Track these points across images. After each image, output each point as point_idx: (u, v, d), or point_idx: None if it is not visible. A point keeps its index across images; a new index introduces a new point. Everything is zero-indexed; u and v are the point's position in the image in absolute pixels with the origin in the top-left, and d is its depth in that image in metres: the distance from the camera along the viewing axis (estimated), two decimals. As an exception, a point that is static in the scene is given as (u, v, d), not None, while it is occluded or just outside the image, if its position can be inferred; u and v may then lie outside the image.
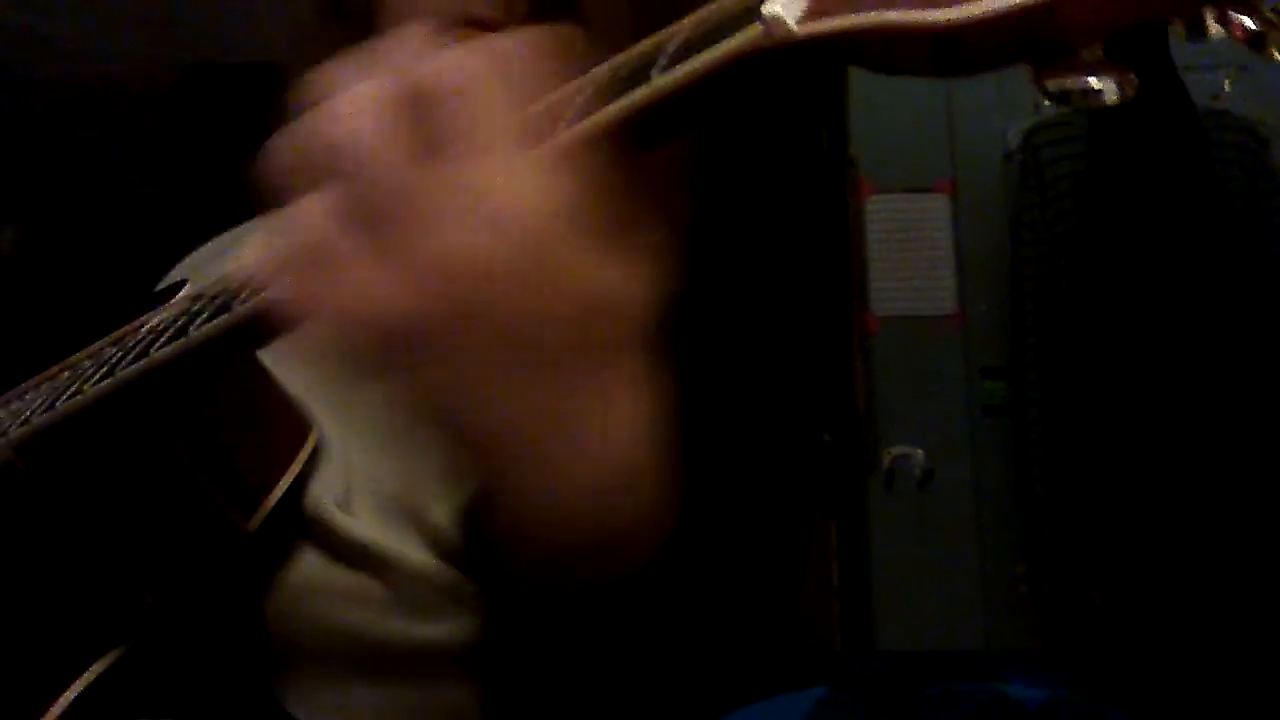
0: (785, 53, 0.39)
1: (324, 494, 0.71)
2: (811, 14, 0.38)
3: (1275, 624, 2.47)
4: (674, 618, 0.55)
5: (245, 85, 0.90)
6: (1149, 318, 2.62)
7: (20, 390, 0.68)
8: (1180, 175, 2.66)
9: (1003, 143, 3.12)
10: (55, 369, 0.66)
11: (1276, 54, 0.34)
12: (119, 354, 0.59)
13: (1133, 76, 0.35)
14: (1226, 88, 2.96)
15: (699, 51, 0.41)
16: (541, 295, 0.43)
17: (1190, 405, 2.58)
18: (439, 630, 0.69)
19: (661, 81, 0.42)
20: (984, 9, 0.34)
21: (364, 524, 0.71)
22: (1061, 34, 0.34)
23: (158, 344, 0.56)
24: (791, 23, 0.38)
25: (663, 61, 0.42)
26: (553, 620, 0.57)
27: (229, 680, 0.67)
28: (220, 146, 0.88)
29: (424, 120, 0.42)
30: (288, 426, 0.70)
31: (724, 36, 0.41)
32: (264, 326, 0.51)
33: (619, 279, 0.44)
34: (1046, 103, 0.36)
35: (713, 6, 0.42)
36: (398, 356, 0.45)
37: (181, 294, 0.68)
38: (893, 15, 0.36)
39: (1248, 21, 0.34)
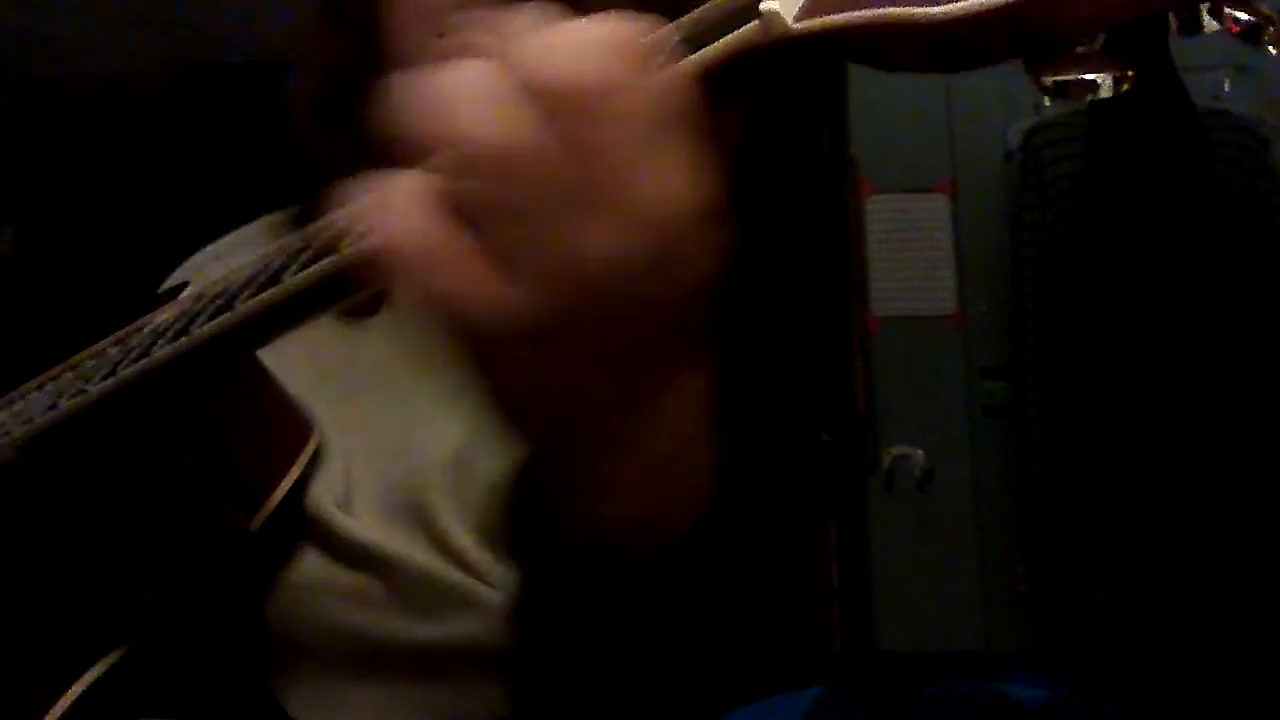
0: (783, 49, 0.39)
1: (324, 494, 0.71)
2: (809, 10, 0.38)
3: (1275, 624, 2.47)
4: (674, 617, 0.55)
5: (245, 85, 0.90)
6: (1149, 318, 2.62)
7: (23, 390, 0.68)
8: (1180, 175, 2.66)
9: (1003, 143, 3.12)
10: (58, 369, 0.66)
11: (1271, 48, 0.34)
12: (121, 354, 0.59)
13: (1130, 70, 0.35)
14: (1226, 88, 2.97)
15: (696, 49, 0.41)
16: (665, 285, 0.42)
17: (1190, 405, 2.58)
18: (440, 630, 0.69)
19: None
20: (979, 3, 0.34)
21: (364, 524, 0.71)
22: (1056, 28, 0.35)
23: (159, 344, 0.56)
24: (789, 19, 0.39)
25: (660, 60, 0.42)
26: (553, 620, 0.57)
27: (230, 680, 0.67)
28: (220, 146, 0.88)
29: (563, 115, 0.39)
30: (289, 427, 0.70)
31: (722, 33, 0.41)
32: (341, 286, 0.49)
33: (715, 262, 0.43)
34: (1047, 103, 0.37)
35: (711, 4, 0.42)
36: (505, 353, 0.43)
37: (184, 295, 0.68)
38: (889, 11, 0.36)
39: (1242, 15, 0.34)
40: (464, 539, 0.71)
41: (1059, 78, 0.35)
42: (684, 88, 0.41)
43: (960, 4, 0.34)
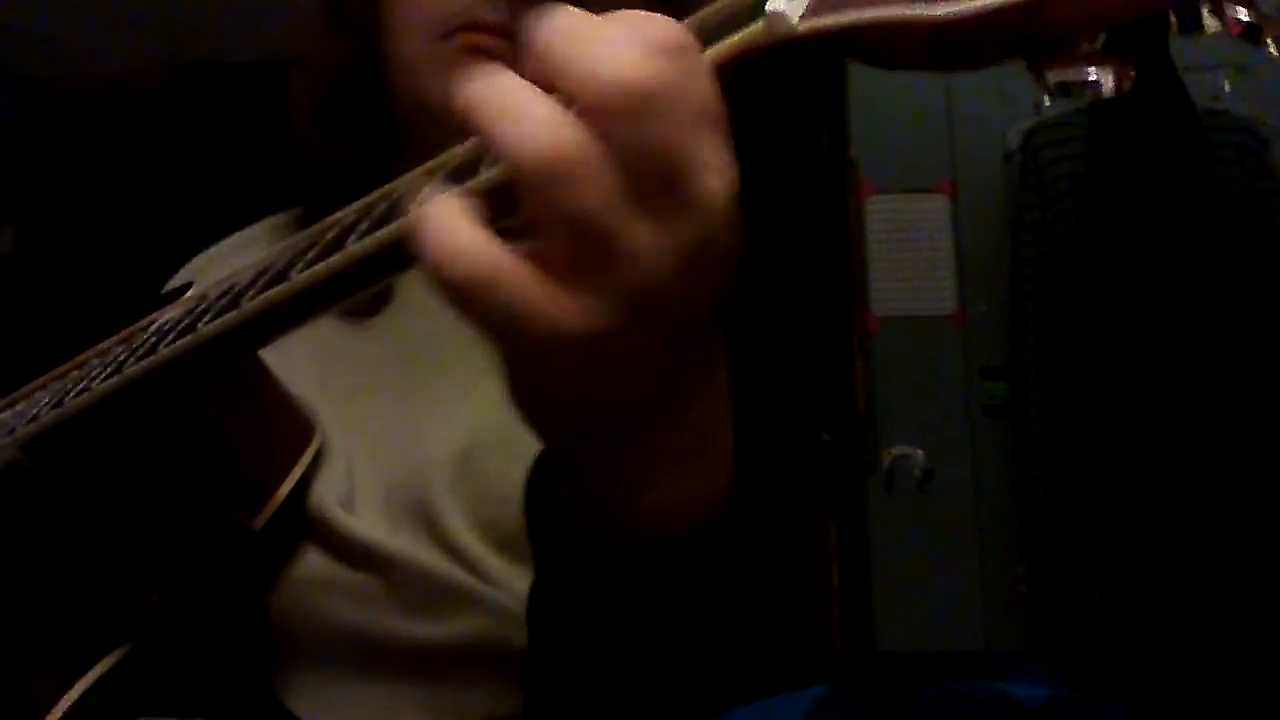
0: (787, 49, 0.39)
1: (327, 493, 0.71)
2: (813, 10, 0.39)
3: (1275, 624, 2.47)
4: (673, 617, 0.55)
5: (245, 85, 0.90)
6: (1149, 318, 2.62)
7: (27, 390, 0.68)
8: (1180, 176, 2.66)
9: (1003, 143, 3.12)
10: (63, 368, 0.67)
11: (1272, 47, 0.34)
12: (126, 352, 0.59)
13: (1131, 69, 0.35)
14: (1226, 88, 2.97)
15: (703, 49, 0.41)
16: (712, 274, 0.43)
17: (1190, 405, 2.58)
18: (442, 629, 0.69)
19: None
20: (981, 3, 0.35)
21: (367, 523, 0.71)
22: (1056, 28, 0.35)
23: (165, 342, 0.57)
24: (794, 19, 0.39)
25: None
26: (565, 620, 0.57)
27: (232, 678, 0.68)
28: (221, 146, 0.88)
29: (619, 121, 0.39)
30: (291, 426, 0.70)
31: (728, 33, 0.41)
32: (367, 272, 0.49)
33: (739, 245, 0.44)
34: (1047, 103, 0.37)
35: (716, 4, 0.43)
36: (559, 359, 0.43)
37: (189, 294, 0.68)
38: (892, 10, 0.36)
39: (1242, 14, 0.34)
40: (466, 538, 0.71)
41: (1061, 76, 0.35)
42: (718, 78, 0.41)
43: (963, 4, 0.35)
